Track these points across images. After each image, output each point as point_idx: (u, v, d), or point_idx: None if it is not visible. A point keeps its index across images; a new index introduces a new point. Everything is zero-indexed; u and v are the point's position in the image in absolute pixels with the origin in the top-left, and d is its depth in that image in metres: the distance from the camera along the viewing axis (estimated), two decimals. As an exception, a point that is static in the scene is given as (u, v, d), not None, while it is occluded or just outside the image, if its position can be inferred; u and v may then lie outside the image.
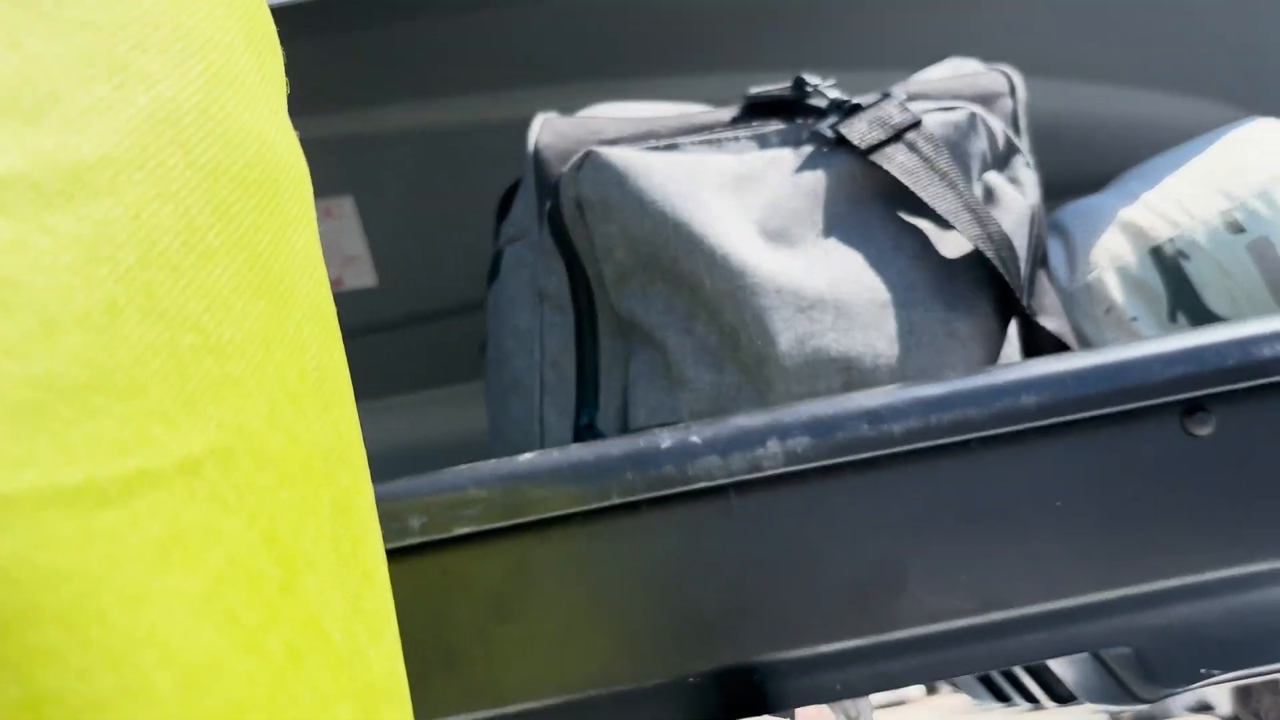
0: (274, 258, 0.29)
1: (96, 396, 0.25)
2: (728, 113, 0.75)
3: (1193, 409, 0.60)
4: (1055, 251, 0.81)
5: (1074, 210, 0.84)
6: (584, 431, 0.69)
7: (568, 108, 0.84)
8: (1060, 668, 0.76)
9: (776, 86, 0.75)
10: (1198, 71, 1.13)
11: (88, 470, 0.24)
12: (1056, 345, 0.67)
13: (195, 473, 0.26)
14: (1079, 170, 1.00)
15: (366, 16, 1.05)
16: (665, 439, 0.58)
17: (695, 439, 0.59)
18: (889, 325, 0.64)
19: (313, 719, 0.27)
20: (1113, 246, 0.77)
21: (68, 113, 0.26)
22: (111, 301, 0.25)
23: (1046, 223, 0.81)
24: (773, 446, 0.58)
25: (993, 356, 0.67)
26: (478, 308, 1.19)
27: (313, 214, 0.32)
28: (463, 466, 0.59)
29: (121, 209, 0.26)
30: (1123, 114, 1.16)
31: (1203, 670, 0.62)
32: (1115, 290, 0.75)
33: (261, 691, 0.26)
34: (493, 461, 0.59)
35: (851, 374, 0.64)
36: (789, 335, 0.63)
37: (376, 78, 1.11)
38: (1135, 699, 0.66)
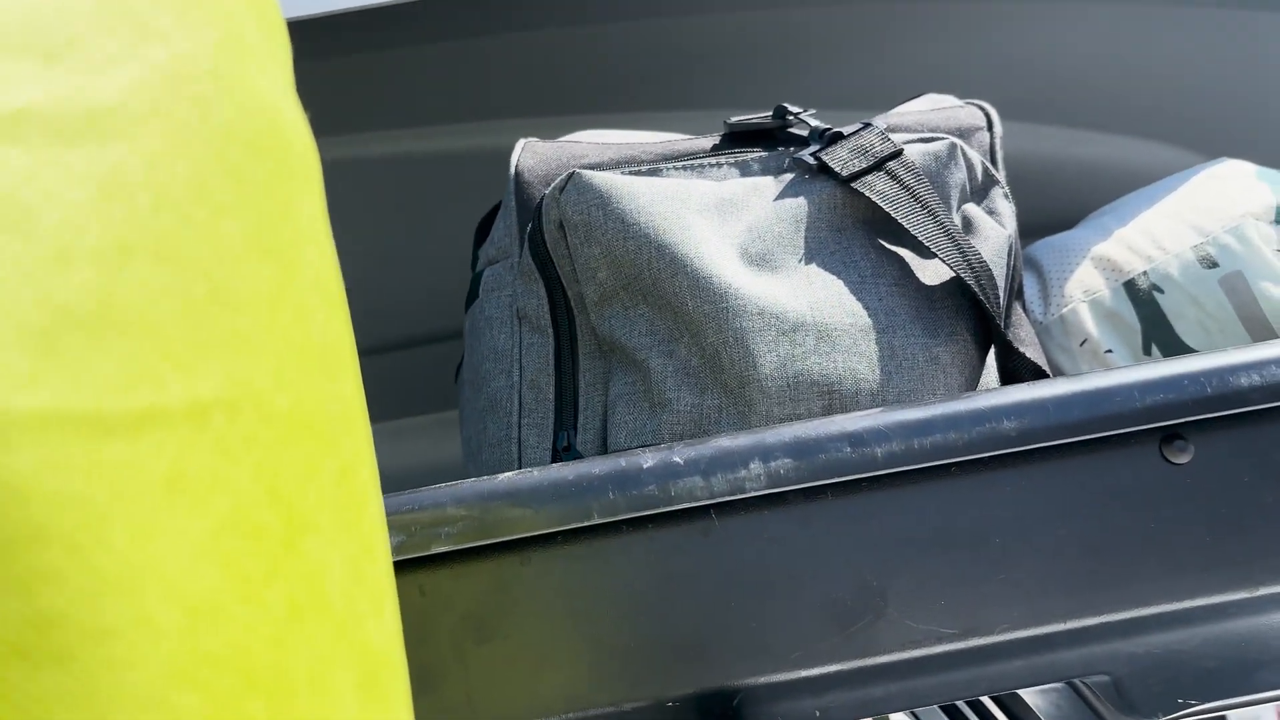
0: (282, 223, 0.29)
1: (107, 331, 0.25)
2: (709, 141, 0.76)
3: (1171, 437, 0.60)
4: (1029, 285, 0.82)
5: (1047, 245, 0.85)
6: (562, 453, 0.69)
7: (546, 139, 0.85)
8: (1034, 700, 0.76)
9: (757, 115, 0.76)
10: (1157, 117, 1.15)
11: (96, 400, 0.24)
12: (1035, 373, 0.68)
13: (202, 419, 0.26)
14: (1040, 211, 1.01)
15: (344, 44, 1.05)
16: (647, 459, 0.58)
17: (678, 459, 0.58)
18: (870, 350, 0.64)
19: (312, 677, 0.27)
20: (1086, 280, 0.78)
21: (87, 58, 0.26)
22: (124, 242, 0.25)
23: (1022, 261, 0.82)
24: (755, 468, 0.58)
25: (972, 383, 0.68)
26: (452, 337, 1.18)
27: (321, 188, 0.32)
28: (442, 485, 0.59)
29: (136, 156, 0.26)
30: (1083, 157, 1.18)
31: (1180, 700, 0.62)
32: (1089, 322, 0.76)
33: (262, 642, 0.26)
34: (472, 480, 0.59)
35: (833, 398, 0.64)
36: (771, 358, 0.63)
37: (353, 106, 1.11)
38: (1110, 729, 0.66)
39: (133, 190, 0.26)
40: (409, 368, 1.29)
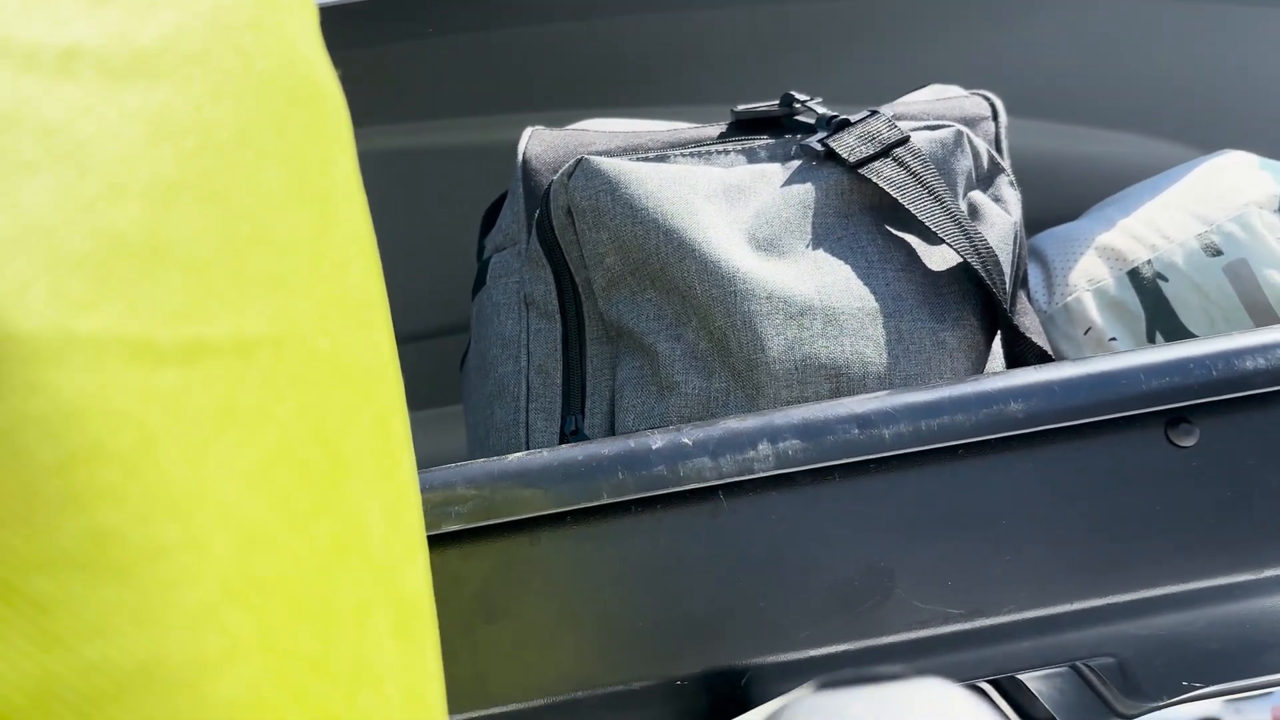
0: (321, 174, 0.29)
1: (158, 264, 0.25)
2: (717, 129, 0.76)
3: (1177, 420, 0.60)
4: (1033, 275, 0.83)
5: (1051, 236, 0.85)
6: (570, 437, 0.69)
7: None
8: (1038, 686, 0.76)
9: (764, 104, 0.76)
10: (1158, 113, 1.16)
11: (149, 328, 0.25)
12: (1040, 359, 0.68)
13: (250, 355, 0.26)
14: (1043, 207, 1.02)
15: (348, 39, 1.05)
16: (656, 440, 0.58)
17: (686, 440, 0.59)
18: (877, 334, 0.65)
19: (356, 613, 0.27)
20: (1091, 269, 0.78)
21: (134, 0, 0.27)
22: (172, 179, 0.26)
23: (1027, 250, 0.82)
24: (764, 449, 0.58)
25: (979, 368, 0.68)
26: (456, 331, 1.18)
27: (354, 147, 0.32)
28: (452, 465, 0.59)
29: (182, 97, 0.27)
30: (1085, 153, 1.18)
31: (1185, 683, 0.62)
32: (1094, 311, 0.76)
33: (309, 573, 0.26)
34: (483, 460, 0.59)
35: (840, 381, 0.64)
36: (779, 341, 0.64)
37: (358, 100, 1.12)
38: (1116, 715, 0.66)
39: (181, 130, 0.26)
40: (414, 362, 1.29)
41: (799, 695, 0.31)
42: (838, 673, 0.33)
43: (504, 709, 0.57)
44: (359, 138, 1.17)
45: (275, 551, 0.26)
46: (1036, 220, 0.96)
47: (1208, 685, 0.62)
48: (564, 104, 1.14)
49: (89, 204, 0.25)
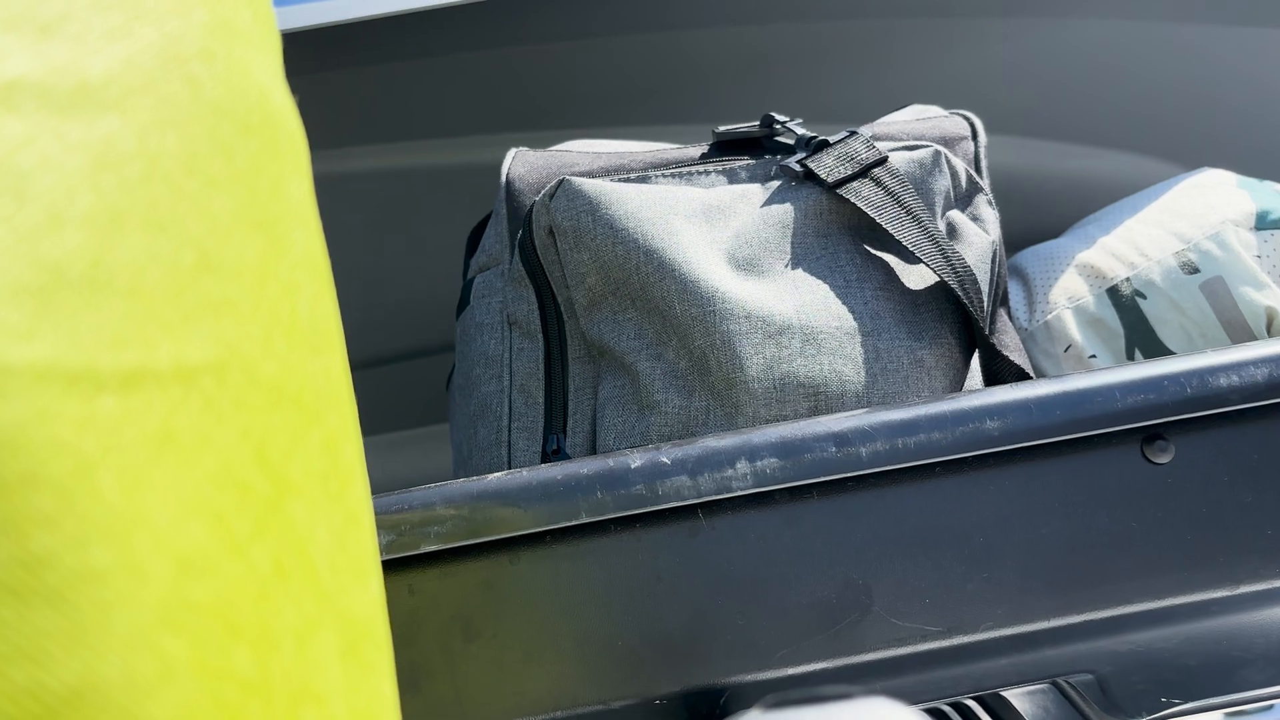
0: (271, 200, 0.30)
1: (99, 292, 0.25)
2: (697, 150, 0.76)
3: (1152, 437, 0.61)
4: (1014, 293, 0.83)
5: (1032, 254, 0.86)
6: (552, 456, 0.69)
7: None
8: (1021, 704, 0.76)
9: (745, 125, 0.77)
10: (1142, 131, 1.16)
11: (89, 356, 0.25)
12: (1018, 377, 0.69)
13: (191, 381, 0.27)
14: (1027, 224, 1.02)
15: (334, 59, 1.06)
16: (635, 459, 0.59)
17: (665, 459, 0.59)
18: (856, 352, 0.65)
19: (297, 636, 0.27)
20: (1071, 287, 0.79)
21: (79, 33, 0.27)
22: (115, 209, 0.26)
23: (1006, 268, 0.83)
24: (742, 467, 0.59)
25: (956, 386, 0.68)
26: (442, 351, 1.19)
27: (309, 171, 0.33)
28: (431, 485, 0.59)
29: (128, 128, 0.27)
30: (1069, 170, 1.19)
31: (1163, 700, 0.62)
32: (1074, 328, 0.77)
33: (248, 596, 0.26)
34: (462, 480, 0.59)
35: (819, 399, 0.64)
36: (757, 360, 0.64)
37: (343, 120, 1.12)
38: (1096, 730, 0.66)
39: (125, 160, 0.27)
40: (399, 382, 1.29)
41: (747, 717, 0.31)
42: (784, 693, 0.34)
43: (483, 729, 0.57)
44: (345, 158, 1.17)
45: (212, 575, 0.26)
46: (1018, 237, 0.97)
47: (1186, 702, 0.62)
48: (549, 125, 1.15)
49: (28, 234, 0.25)
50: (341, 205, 1.16)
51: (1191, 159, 1.11)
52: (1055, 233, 0.94)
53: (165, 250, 0.27)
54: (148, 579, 0.25)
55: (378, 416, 1.25)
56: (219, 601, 0.26)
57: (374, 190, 1.19)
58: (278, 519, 0.28)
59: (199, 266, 0.27)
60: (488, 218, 0.82)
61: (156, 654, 0.24)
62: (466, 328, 0.77)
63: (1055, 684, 0.64)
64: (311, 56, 1.03)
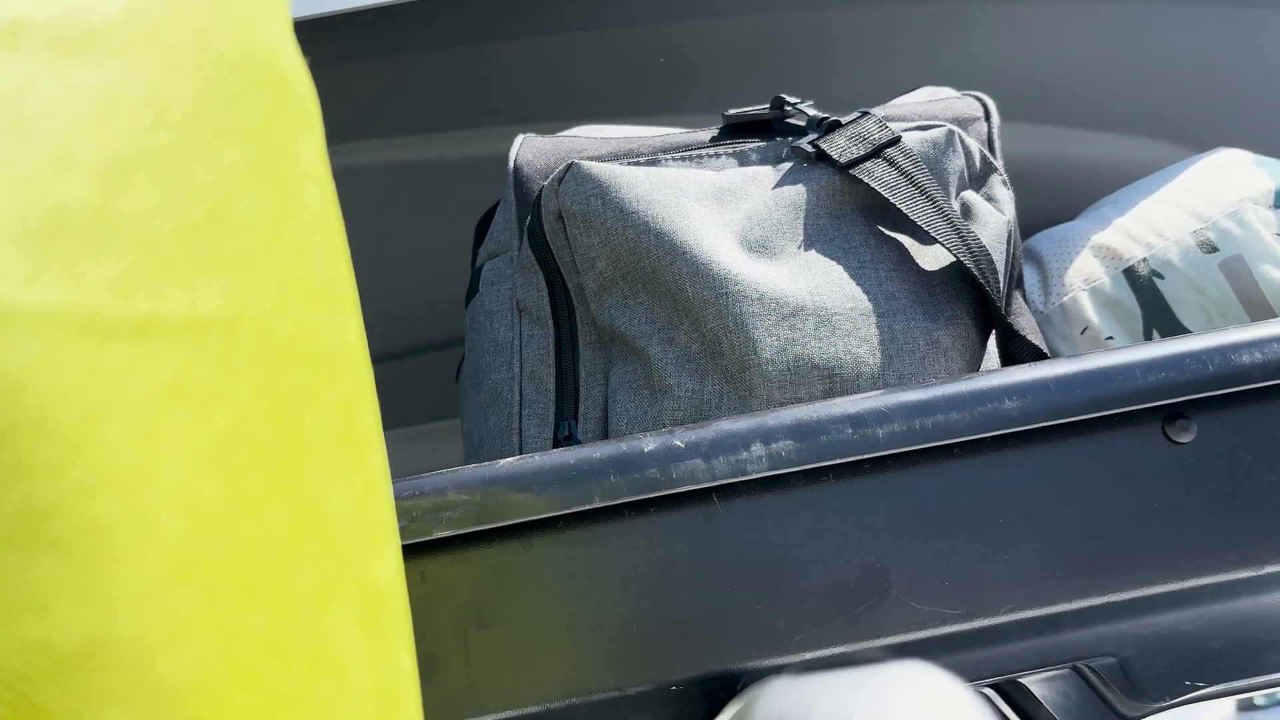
0: (283, 157, 0.29)
1: (107, 239, 0.25)
2: (707, 133, 0.76)
3: (1174, 416, 0.60)
4: (1029, 276, 0.82)
5: (1047, 237, 0.85)
6: (563, 443, 0.68)
7: (545, 135, 0.85)
8: (1041, 690, 0.75)
9: (755, 107, 0.76)
10: (1153, 115, 1.15)
11: (96, 304, 0.24)
12: (1036, 357, 0.68)
13: (202, 333, 0.26)
14: (1039, 210, 1.01)
15: (340, 52, 1.05)
16: (648, 442, 0.58)
17: (679, 443, 0.58)
18: (870, 333, 0.64)
19: (315, 599, 0.27)
20: (1086, 268, 0.78)
21: None
22: (123, 155, 0.25)
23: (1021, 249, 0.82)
24: (757, 450, 0.58)
25: (973, 367, 0.68)
26: (450, 345, 1.18)
27: (321, 132, 0.32)
28: (443, 470, 0.58)
29: (136, 75, 0.26)
30: (1080, 156, 1.18)
31: (1187, 683, 0.61)
32: (1090, 310, 0.76)
33: (263, 556, 0.26)
34: (474, 465, 0.59)
35: (833, 381, 0.64)
36: (771, 342, 0.63)
37: (351, 113, 1.11)
38: (1119, 717, 0.65)
39: (132, 107, 0.26)
40: (408, 377, 1.29)
41: (778, 681, 0.30)
42: (815, 656, 0.33)
43: (498, 716, 0.56)
44: (352, 151, 1.17)
45: (226, 532, 0.25)
46: (1031, 225, 0.96)
47: (1210, 685, 0.61)
48: (557, 116, 1.14)
49: (31, 177, 0.24)
50: (347, 200, 1.16)
51: (1205, 142, 1.10)
52: (1068, 220, 0.93)
53: (174, 200, 0.26)
54: (159, 533, 0.24)
55: (386, 412, 1.24)
56: (233, 559, 0.25)
57: (381, 185, 1.18)
58: (294, 480, 0.27)
59: (209, 218, 0.27)
60: (495, 207, 0.81)
61: (169, 610, 0.24)
62: (476, 315, 0.76)
63: (1076, 669, 0.63)
64: (316, 49, 1.02)
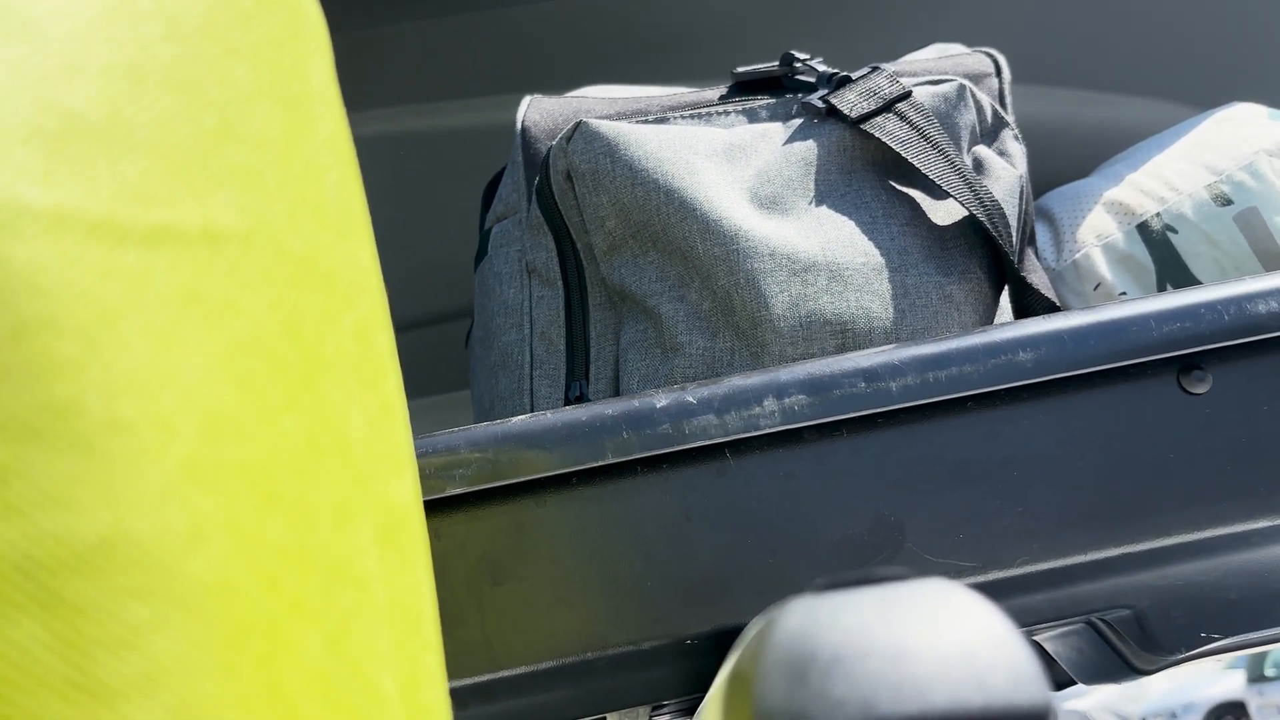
0: (294, 77, 0.29)
1: (119, 144, 0.24)
2: (716, 91, 0.75)
3: (1189, 367, 0.59)
4: (1042, 234, 0.82)
5: (1059, 195, 0.84)
6: (574, 403, 0.68)
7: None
8: (1055, 647, 0.75)
9: (764, 65, 0.75)
10: (1166, 77, 1.14)
11: (110, 207, 0.24)
12: (1049, 310, 0.67)
13: (217, 244, 0.26)
14: (1052, 172, 1.01)
15: (344, 20, 1.04)
16: (661, 398, 0.58)
17: (691, 399, 0.58)
18: (883, 288, 0.64)
19: (333, 514, 0.27)
20: (1099, 225, 0.77)
21: None
22: (134, 64, 0.25)
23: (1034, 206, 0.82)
24: (769, 405, 0.58)
25: (987, 321, 0.67)
26: (457, 316, 1.18)
27: (331, 57, 0.32)
28: (455, 429, 0.58)
29: None
30: (1094, 118, 1.17)
31: (1203, 634, 0.61)
32: (1103, 266, 0.75)
33: (282, 465, 0.26)
34: (486, 423, 0.59)
35: (846, 336, 0.63)
36: (783, 298, 0.63)
37: (353, 83, 1.11)
38: (1134, 670, 0.65)
39: (142, 17, 0.26)
40: (417, 348, 1.28)
41: (802, 600, 0.30)
42: (838, 575, 0.33)
43: (513, 672, 0.57)
44: (357, 122, 1.16)
45: (243, 438, 0.25)
46: (1043, 186, 0.95)
47: (1227, 636, 0.61)
48: (564, 83, 1.13)
49: (41, 79, 0.24)
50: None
51: (1218, 103, 1.09)
52: (1072, 180, 0.93)
53: (186, 110, 0.26)
54: (177, 434, 0.24)
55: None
56: (251, 466, 0.25)
57: (388, 154, 1.18)
58: (310, 394, 0.27)
59: (221, 132, 0.26)
60: (502, 172, 0.81)
61: (188, 511, 0.24)
62: (485, 278, 0.76)
63: (1091, 623, 0.63)
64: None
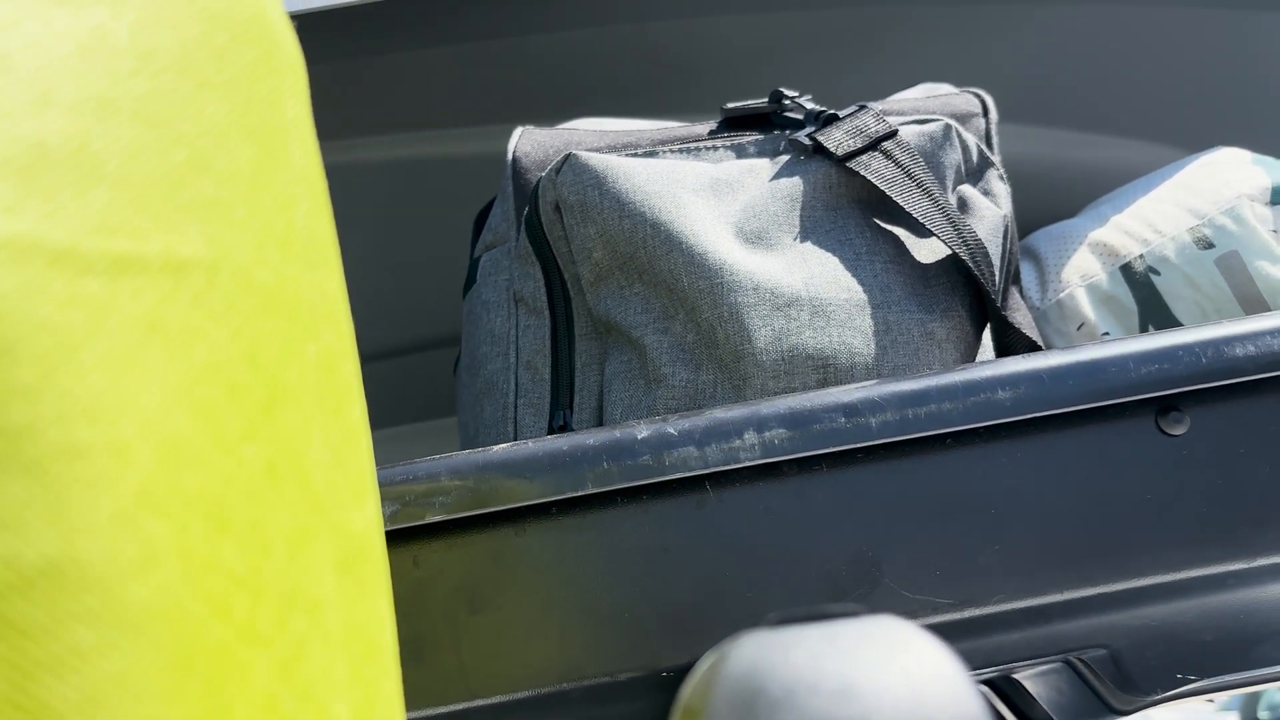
0: (268, 112, 0.29)
1: (86, 176, 0.25)
2: (705, 127, 0.76)
3: (1167, 408, 0.60)
4: (1027, 273, 0.82)
5: (1045, 234, 0.85)
6: (558, 433, 0.69)
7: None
8: (1034, 686, 0.75)
9: (754, 101, 0.76)
10: (1152, 118, 1.16)
11: (74, 237, 0.24)
12: (1030, 349, 0.68)
13: (181, 274, 0.26)
14: (1038, 213, 1.02)
15: (342, 49, 1.05)
16: (642, 429, 0.58)
17: (672, 430, 0.58)
18: (865, 324, 0.64)
19: (289, 542, 0.27)
20: (1083, 265, 0.78)
21: None
22: (104, 98, 0.26)
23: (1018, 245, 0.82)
24: (750, 438, 0.58)
25: (968, 359, 0.68)
26: (448, 343, 1.18)
27: (307, 95, 0.32)
28: (437, 456, 0.59)
29: (119, 21, 0.26)
30: (1079, 159, 1.18)
31: (1179, 676, 0.61)
32: (1086, 306, 0.76)
33: (237, 494, 0.26)
34: (468, 451, 0.59)
35: (828, 372, 0.64)
36: (766, 332, 0.63)
37: (350, 110, 1.12)
38: (1112, 711, 0.65)
39: (115, 52, 0.26)
40: (406, 374, 1.29)
41: (755, 635, 0.30)
42: (790, 610, 0.33)
43: (488, 701, 0.56)
44: (351, 149, 1.17)
45: (200, 466, 0.25)
46: (1028, 226, 0.96)
47: (1203, 678, 0.61)
48: (557, 115, 1.14)
49: (11, 111, 0.24)
50: (348, 197, 1.16)
51: (1204, 146, 1.10)
52: (1057, 220, 0.93)
53: (156, 144, 0.26)
54: (131, 461, 0.24)
55: (384, 409, 1.24)
56: (206, 493, 0.25)
57: (382, 181, 1.18)
58: (270, 423, 0.27)
59: (191, 165, 0.27)
60: (493, 201, 0.81)
61: (140, 536, 0.24)
62: (473, 306, 0.76)
63: (1069, 661, 0.63)
64: (316, 45, 1.03)
